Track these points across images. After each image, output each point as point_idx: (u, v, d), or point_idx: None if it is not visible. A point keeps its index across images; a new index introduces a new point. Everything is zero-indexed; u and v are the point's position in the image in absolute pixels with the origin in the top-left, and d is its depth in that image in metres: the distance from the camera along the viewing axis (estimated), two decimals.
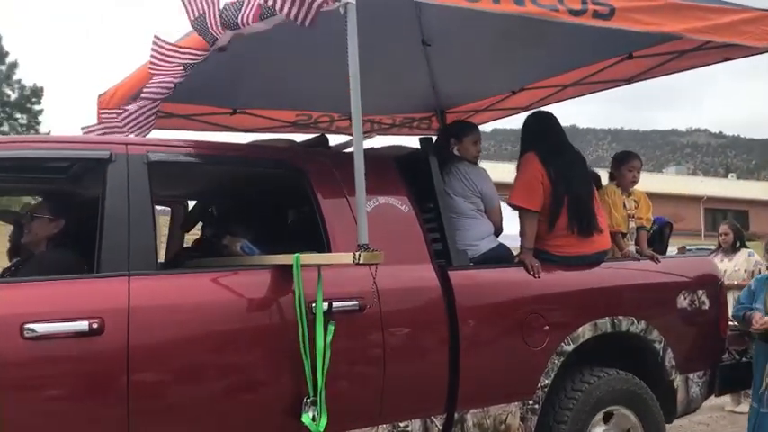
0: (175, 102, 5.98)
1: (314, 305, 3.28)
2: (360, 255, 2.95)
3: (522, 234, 4.34)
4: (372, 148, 4.77)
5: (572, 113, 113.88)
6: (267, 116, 6.49)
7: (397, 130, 7.22)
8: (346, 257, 3.01)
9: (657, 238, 5.72)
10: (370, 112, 6.90)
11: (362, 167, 3.07)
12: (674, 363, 4.59)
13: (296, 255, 3.26)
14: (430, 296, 3.78)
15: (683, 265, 4.90)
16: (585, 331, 4.21)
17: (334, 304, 3.37)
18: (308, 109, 6.64)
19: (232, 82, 5.73)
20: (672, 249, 6.52)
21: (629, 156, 5.41)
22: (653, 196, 5.77)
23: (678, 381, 4.63)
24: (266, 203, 4.50)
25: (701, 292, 4.74)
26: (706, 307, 4.78)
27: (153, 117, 4.05)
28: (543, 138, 4.54)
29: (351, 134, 7.13)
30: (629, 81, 5.74)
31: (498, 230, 4.57)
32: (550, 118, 4.71)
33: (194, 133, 6.44)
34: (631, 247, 5.23)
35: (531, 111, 5.03)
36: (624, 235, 5.13)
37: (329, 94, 6.40)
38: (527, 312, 4.03)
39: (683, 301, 4.67)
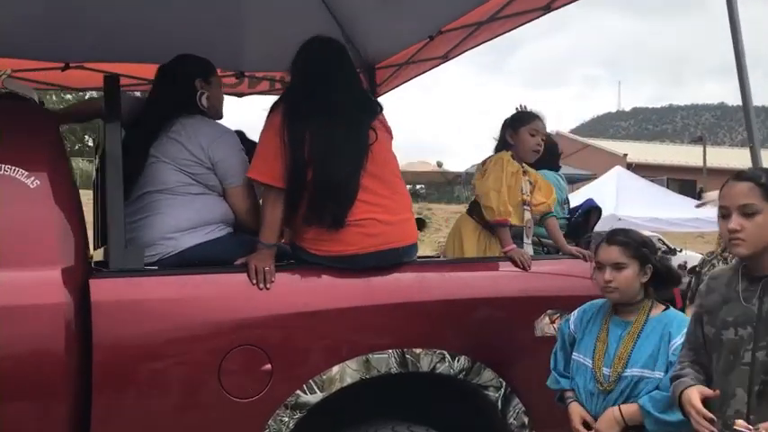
0: None
1: None
2: None
3: (261, 221, 2.86)
4: None
5: (720, 90, 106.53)
6: (115, 72, 5.22)
7: None
8: None
9: (582, 227, 4.08)
10: (267, 66, 5.56)
11: None
12: (525, 419, 2.98)
13: None
14: (37, 321, 2.40)
15: (555, 269, 3.21)
16: (346, 372, 2.70)
17: None
18: None
19: (62, 30, 4.68)
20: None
21: (531, 115, 3.77)
22: None
23: None
24: None
25: None
26: None
27: None
28: (303, 80, 2.96)
29: (237, 94, 5.91)
30: (548, 8, 4.18)
31: (246, 223, 3.02)
32: (322, 47, 3.04)
33: None
34: (528, 247, 3.62)
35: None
36: (512, 227, 3.53)
37: (206, 42, 5.15)
38: (231, 343, 2.57)
39: (547, 325, 3.04)
